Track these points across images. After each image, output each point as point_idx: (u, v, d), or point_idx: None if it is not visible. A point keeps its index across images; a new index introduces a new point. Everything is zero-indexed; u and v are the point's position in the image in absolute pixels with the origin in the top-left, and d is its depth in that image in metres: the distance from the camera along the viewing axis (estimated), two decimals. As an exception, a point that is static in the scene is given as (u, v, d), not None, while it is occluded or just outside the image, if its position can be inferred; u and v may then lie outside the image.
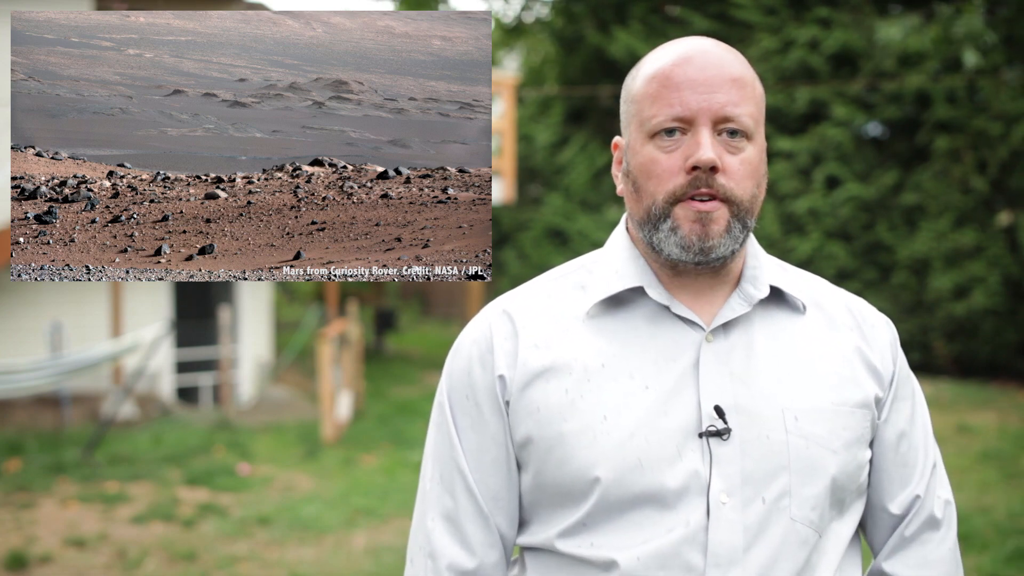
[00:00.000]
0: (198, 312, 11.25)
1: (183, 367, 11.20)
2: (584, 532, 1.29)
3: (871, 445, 1.37)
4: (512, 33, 16.49)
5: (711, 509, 1.24)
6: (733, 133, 1.27)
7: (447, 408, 1.38)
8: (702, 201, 1.26)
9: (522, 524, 1.38)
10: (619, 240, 1.39)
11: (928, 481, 1.39)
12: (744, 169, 1.27)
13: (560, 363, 1.31)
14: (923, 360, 11.07)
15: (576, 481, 1.28)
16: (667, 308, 1.32)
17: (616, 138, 1.39)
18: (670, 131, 1.27)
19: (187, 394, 11.22)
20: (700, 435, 1.26)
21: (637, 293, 1.34)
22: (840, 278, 11.18)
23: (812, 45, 11.87)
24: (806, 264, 11.16)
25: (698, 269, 1.31)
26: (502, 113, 12.21)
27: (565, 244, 13.83)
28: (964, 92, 11.13)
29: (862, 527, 1.41)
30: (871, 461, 1.37)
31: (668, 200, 1.27)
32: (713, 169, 1.25)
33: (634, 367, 1.30)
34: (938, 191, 11.19)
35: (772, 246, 11.48)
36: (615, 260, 1.36)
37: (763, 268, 1.35)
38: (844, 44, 11.57)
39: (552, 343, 1.33)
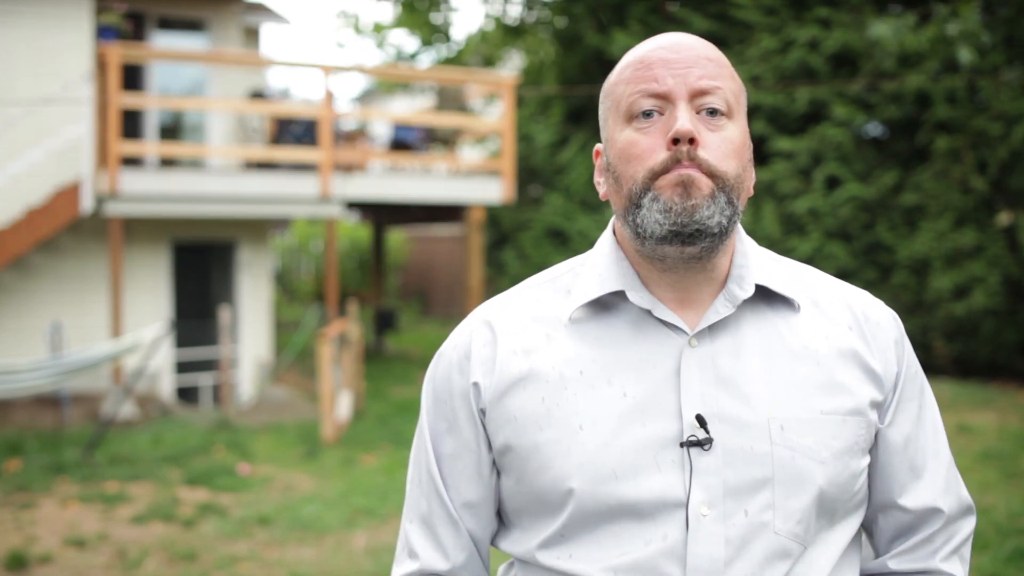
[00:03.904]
0: (198, 312, 11.25)
1: (183, 367, 11.20)
2: (563, 544, 1.26)
3: (873, 450, 1.33)
4: (512, 33, 16.49)
5: (691, 521, 1.20)
6: (712, 112, 1.24)
7: (426, 412, 1.38)
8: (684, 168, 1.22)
9: (508, 529, 1.36)
10: (605, 243, 1.36)
11: (939, 483, 1.35)
12: (726, 147, 1.24)
13: (538, 370, 1.28)
14: (923, 360, 11.05)
15: (551, 492, 1.25)
16: (649, 312, 1.28)
17: (598, 145, 1.36)
18: (647, 113, 1.25)
19: (187, 394, 11.22)
20: (681, 445, 1.22)
21: (620, 297, 1.30)
22: (840, 278, 11.12)
23: (812, 45, 11.86)
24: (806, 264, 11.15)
25: (685, 261, 1.26)
26: (502, 113, 12.20)
27: (565, 244, 13.83)
28: (964, 92, 11.12)
29: (867, 530, 1.38)
30: (877, 465, 1.33)
31: (649, 176, 1.23)
32: (692, 142, 1.21)
33: (613, 374, 1.26)
34: (938, 191, 11.18)
35: (772, 246, 11.47)
36: (599, 264, 1.33)
37: (750, 266, 1.31)
38: (844, 44, 11.57)
39: (532, 349, 1.30)
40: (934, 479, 1.35)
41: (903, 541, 1.37)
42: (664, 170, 1.22)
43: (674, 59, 1.25)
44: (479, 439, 1.33)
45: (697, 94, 1.24)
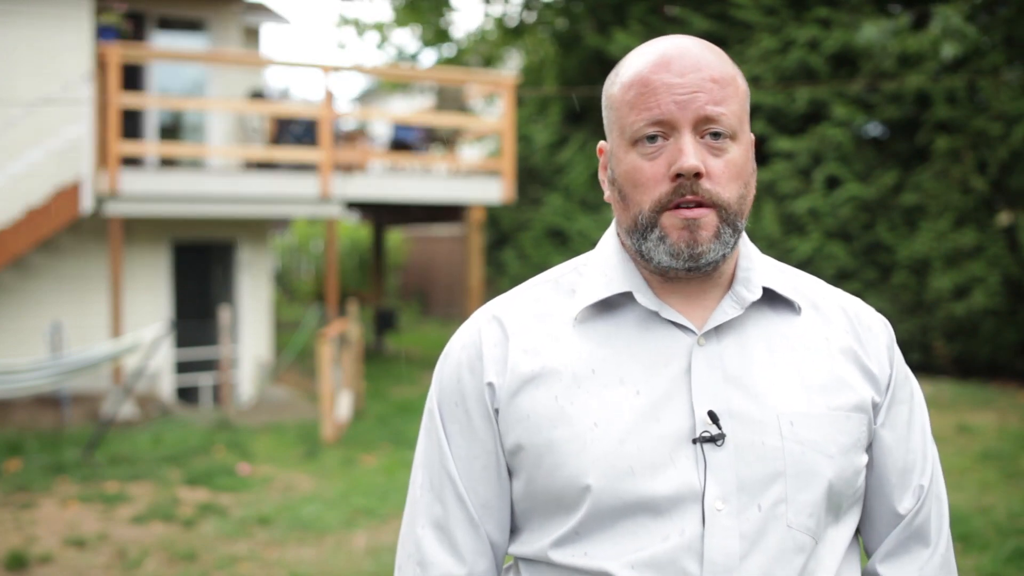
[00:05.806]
0: (198, 312, 11.25)
1: (183, 367, 11.20)
2: (577, 541, 1.26)
3: (869, 450, 1.34)
4: (512, 33, 16.48)
5: (706, 516, 1.22)
6: (716, 135, 1.24)
7: (437, 414, 1.36)
8: (688, 208, 1.23)
9: (516, 532, 1.35)
10: (609, 243, 1.37)
11: (926, 487, 1.37)
12: (729, 171, 1.25)
13: (550, 369, 1.29)
14: (923, 360, 11.06)
15: (567, 489, 1.25)
16: (656, 313, 1.30)
17: (601, 143, 1.37)
18: (652, 137, 1.25)
19: (187, 394, 11.22)
20: (694, 441, 1.24)
21: (627, 298, 1.32)
22: (840, 278, 11.17)
23: (812, 45, 11.86)
24: (806, 264, 11.16)
25: (688, 275, 1.29)
26: (502, 113, 12.20)
27: (565, 244, 13.83)
28: (964, 92, 11.12)
29: (858, 531, 1.39)
30: (872, 465, 1.35)
31: (654, 209, 1.25)
32: (697, 175, 1.22)
33: (625, 373, 1.27)
34: (938, 191, 11.18)
35: (772, 246, 11.48)
36: (605, 264, 1.34)
37: (756, 269, 1.33)
38: (844, 44, 11.56)
39: (542, 349, 1.30)
40: (919, 483, 1.37)
41: (889, 546, 1.38)
42: (669, 203, 1.24)
43: (678, 84, 1.24)
44: (495, 439, 1.32)
45: (702, 121, 1.24)
